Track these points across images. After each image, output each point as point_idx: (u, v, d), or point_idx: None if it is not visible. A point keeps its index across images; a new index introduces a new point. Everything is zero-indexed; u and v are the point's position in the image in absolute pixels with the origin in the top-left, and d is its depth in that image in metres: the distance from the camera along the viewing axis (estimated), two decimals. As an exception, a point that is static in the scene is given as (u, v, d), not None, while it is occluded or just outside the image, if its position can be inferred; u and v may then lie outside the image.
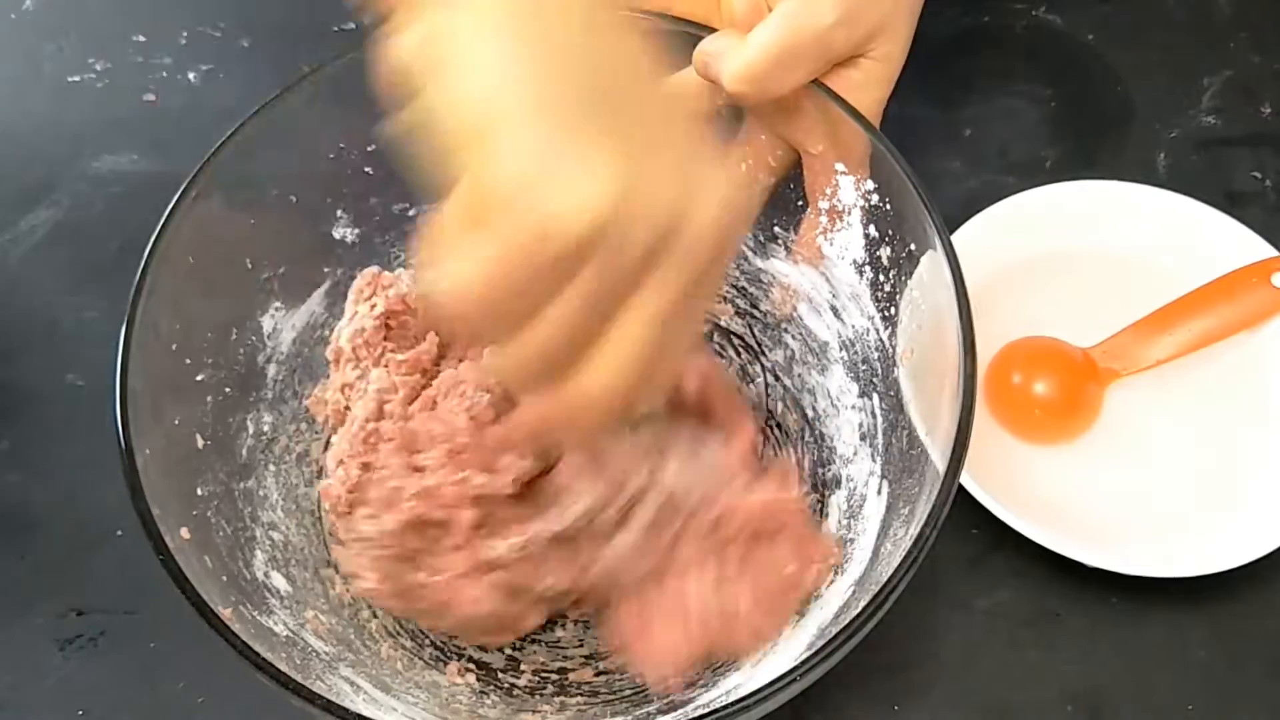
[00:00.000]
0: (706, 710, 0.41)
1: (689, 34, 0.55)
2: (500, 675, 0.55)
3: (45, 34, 0.81)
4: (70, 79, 0.78)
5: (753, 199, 0.41)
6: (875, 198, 0.55)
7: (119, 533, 0.61)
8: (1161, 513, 0.60)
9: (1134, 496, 0.61)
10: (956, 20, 0.80)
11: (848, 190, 0.56)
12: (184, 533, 0.47)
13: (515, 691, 0.54)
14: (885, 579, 0.44)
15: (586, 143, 0.36)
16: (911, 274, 0.53)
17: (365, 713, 0.41)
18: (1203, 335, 0.63)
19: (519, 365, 0.39)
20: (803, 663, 0.42)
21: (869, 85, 0.55)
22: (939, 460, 0.47)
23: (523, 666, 0.55)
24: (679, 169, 0.38)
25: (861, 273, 0.56)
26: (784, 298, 0.61)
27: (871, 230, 0.55)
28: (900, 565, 0.44)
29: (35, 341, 0.68)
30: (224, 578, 0.48)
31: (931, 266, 0.51)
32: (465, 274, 0.36)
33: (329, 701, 0.41)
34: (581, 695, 0.54)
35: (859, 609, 0.43)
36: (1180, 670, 0.58)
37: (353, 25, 0.79)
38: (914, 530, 0.46)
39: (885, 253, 0.55)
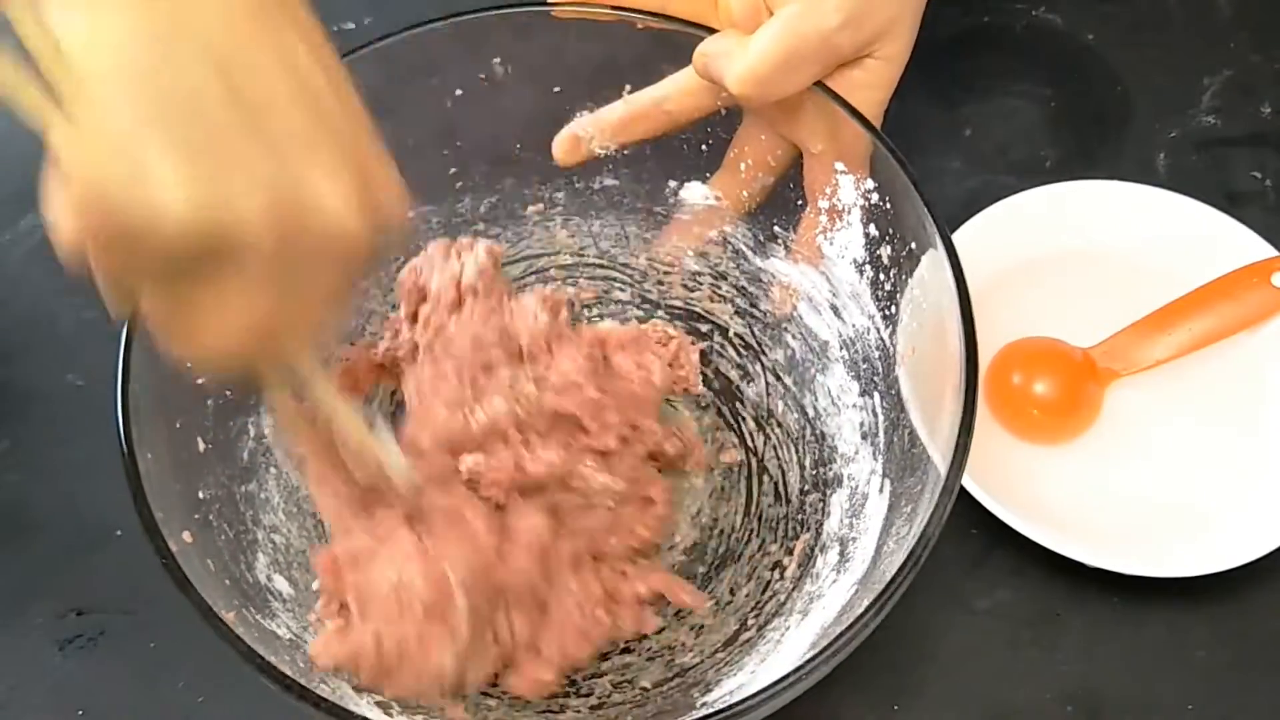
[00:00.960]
0: (710, 711, 0.41)
1: (686, 34, 0.55)
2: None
3: (45, 34, 0.80)
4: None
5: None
6: (875, 197, 0.55)
7: (119, 533, 0.61)
8: (1161, 513, 0.60)
9: (1134, 496, 0.61)
10: (957, 20, 0.80)
11: (848, 189, 0.56)
12: (186, 536, 0.47)
13: (516, 697, 0.54)
14: (888, 579, 0.44)
15: (242, 153, 0.36)
16: (912, 273, 0.53)
17: (369, 715, 0.41)
18: (1203, 335, 0.63)
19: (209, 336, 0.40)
20: (806, 663, 0.42)
21: (871, 85, 0.55)
22: (940, 460, 0.47)
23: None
24: (353, 172, 0.38)
25: (862, 272, 0.56)
26: (784, 297, 0.61)
27: (872, 229, 0.55)
28: (903, 565, 0.44)
29: (35, 342, 0.68)
30: (226, 581, 0.48)
31: (932, 266, 0.51)
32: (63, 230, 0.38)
33: (332, 704, 0.41)
34: (581, 698, 0.54)
35: (861, 609, 0.43)
36: (1180, 670, 0.58)
37: (352, 25, 0.79)
38: (916, 529, 0.46)
39: (885, 252, 0.55)
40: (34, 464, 0.64)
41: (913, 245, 0.52)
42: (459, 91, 0.60)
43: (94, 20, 0.36)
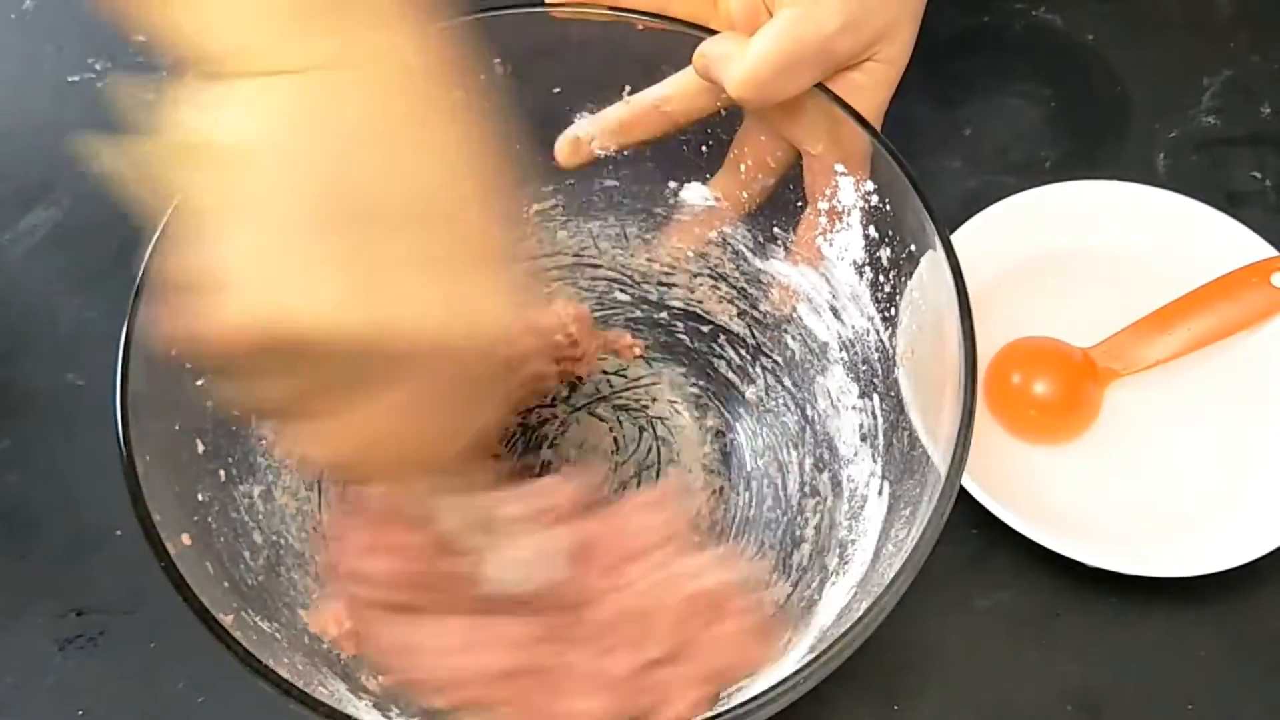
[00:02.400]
0: (709, 715, 0.41)
1: (686, 35, 0.55)
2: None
3: (45, 34, 0.81)
4: (70, 79, 0.78)
5: (514, 309, 0.42)
6: (875, 198, 0.55)
7: (119, 533, 0.61)
8: (1161, 512, 0.60)
9: (1134, 496, 0.61)
10: (956, 20, 0.79)
11: (847, 191, 0.56)
12: (185, 539, 0.47)
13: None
14: (887, 582, 0.44)
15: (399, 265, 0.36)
16: (911, 274, 0.53)
17: (367, 718, 0.41)
18: (1202, 335, 0.63)
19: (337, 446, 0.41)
20: (804, 666, 0.42)
21: (871, 87, 0.55)
22: (940, 461, 0.47)
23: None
24: (499, 290, 0.39)
25: (861, 273, 0.56)
26: (783, 298, 0.61)
27: (871, 231, 0.55)
28: (902, 568, 0.44)
29: (35, 341, 0.68)
30: (225, 583, 0.48)
31: (931, 267, 0.51)
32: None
33: (330, 708, 0.41)
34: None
35: (860, 612, 0.43)
36: (1181, 669, 0.58)
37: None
38: (915, 531, 0.46)
39: (885, 253, 0.55)
40: (34, 464, 0.64)
41: (912, 247, 0.52)
42: (458, 93, 0.59)
43: (254, 116, 0.36)
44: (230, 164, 0.35)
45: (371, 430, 0.39)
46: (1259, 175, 0.73)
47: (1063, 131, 0.76)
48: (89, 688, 0.57)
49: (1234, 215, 0.67)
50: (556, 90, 0.61)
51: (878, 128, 0.56)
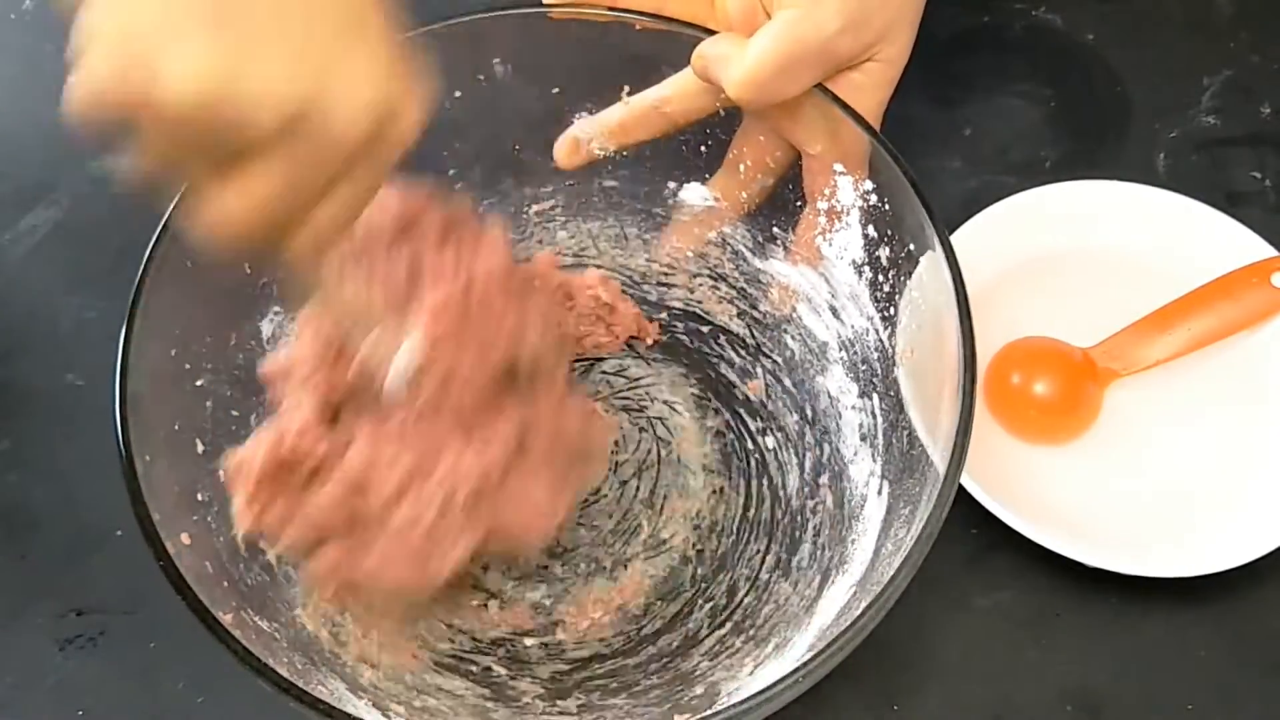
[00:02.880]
0: (710, 713, 0.42)
1: (685, 35, 0.55)
2: (510, 683, 0.55)
3: (44, 34, 0.80)
4: (70, 79, 0.78)
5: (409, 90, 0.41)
6: (874, 198, 0.55)
7: (118, 533, 0.61)
8: (1161, 512, 0.60)
9: (1134, 496, 0.61)
10: (956, 20, 0.79)
11: (846, 190, 0.56)
12: (184, 538, 0.47)
13: (522, 700, 0.54)
14: (886, 580, 0.44)
15: (272, 36, 0.35)
16: (911, 274, 0.53)
17: (366, 717, 0.41)
18: (1202, 335, 0.63)
19: (244, 215, 0.39)
20: (804, 664, 0.42)
21: (871, 88, 0.55)
22: (939, 461, 0.47)
23: (528, 674, 0.56)
24: (373, 64, 0.38)
25: (861, 273, 0.56)
26: (783, 298, 0.61)
27: (870, 230, 0.55)
28: (901, 566, 0.44)
29: (35, 341, 0.68)
30: (225, 583, 0.48)
31: (931, 267, 0.51)
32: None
33: (330, 706, 0.41)
34: (577, 697, 0.55)
35: (859, 610, 0.43)
36: (1181, 670, 0.58)
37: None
38: (915, 530, 0.46)
39: (884, 253, 0.55)
40: (34, 464, 0.64)
41: (911, 246, 0.53)
42: (458, 93, 0.60)
43: None
44: None
45: (263, 199, 0.38)
46: (1259, 175, 0.73)
47: (1063, 132, 0.76)
48: (89, 688, 0.57)
49: (1234, 215, 0.66)
50: (556, 90, 0.61)
51: (877, 127, 0.56)
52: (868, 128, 0.53)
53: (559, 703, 0.54)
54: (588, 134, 0.60)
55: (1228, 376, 0.64)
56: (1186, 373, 0.64)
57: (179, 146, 0.36)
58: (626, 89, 0.59)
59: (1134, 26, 0.80)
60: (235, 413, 0.55)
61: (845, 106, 0.54)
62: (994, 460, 0.60)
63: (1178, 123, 0.76)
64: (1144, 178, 0.69)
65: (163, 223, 0.50)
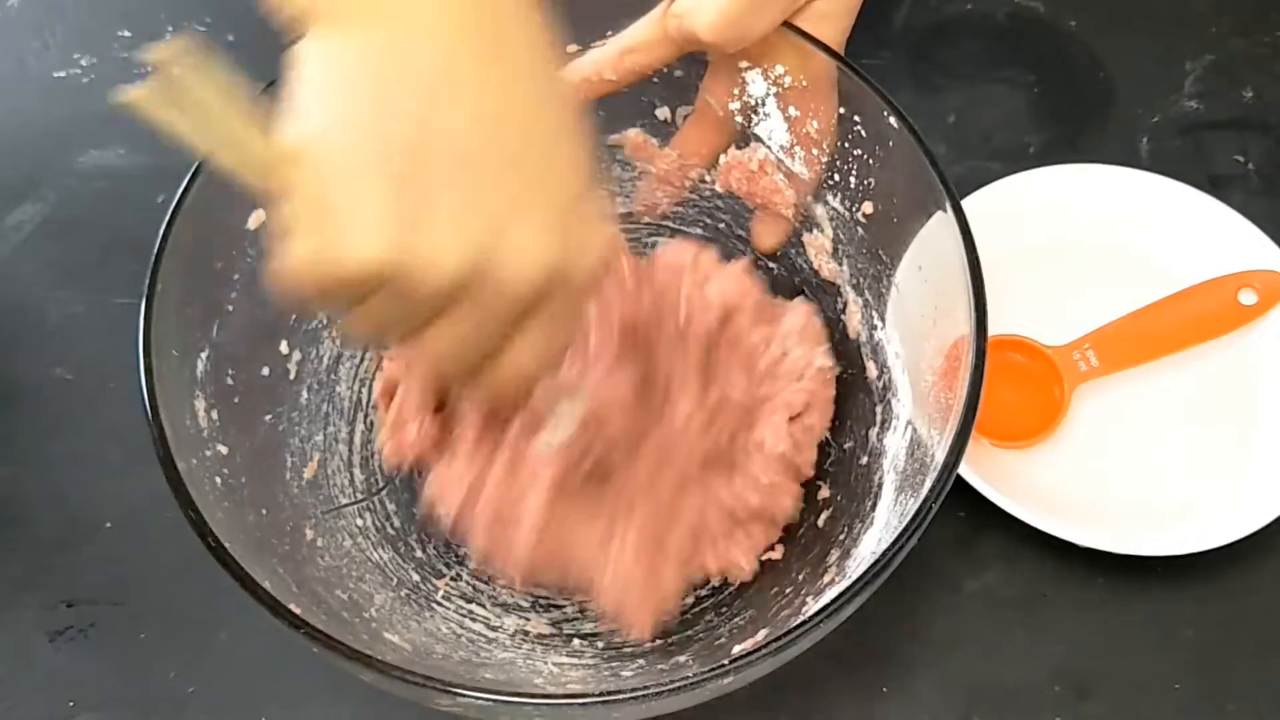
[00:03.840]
0: (713, 667, 0.42)
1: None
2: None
3: (30, 30, 0.81)
4: (56, 74, 0.78)
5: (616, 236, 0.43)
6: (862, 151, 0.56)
7: (108, 525, 0.61)
8: (1145, 498, 0.61)
9: (1117, 483, 0.62)
10: (940, 7, 0.80)
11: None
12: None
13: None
14: (883, 549, 0.44)
15: (448, 205, 0.37)
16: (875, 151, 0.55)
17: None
18: (1171, 344, 0.64)
19: (437, 365, 0.43)
20: (834, 601, 0.43)
21: (834, 16, 0.57)
22: (946, 428, 0.47)
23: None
24: (556, 227, 0.39)
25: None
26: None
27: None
28: (918, 511, 0.44)
29: (23, 336, 0.68)
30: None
31: (941, 225, 0.52)
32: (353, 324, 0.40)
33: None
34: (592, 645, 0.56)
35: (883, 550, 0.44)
36: (1168, 649, 0.58)
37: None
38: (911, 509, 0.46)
39: (856, 152, 0.57)
40: (23, 457, 0.64)
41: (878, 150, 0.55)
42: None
43: (322, 55, 0.38)
44: (302, 120, 0.37)
45: (448, 344, 0.41)
46: (1241, 159, 0.74)
47: (1047, 117, 0.76)
48: (79, 679, 0.58)
49: (1217, 199, 0.67)
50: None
51: (842, 53, 0.57)
52: (835, 55, 0.55)
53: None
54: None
55: (1210, 369, 0.65)
56: (1167, 369, 0.64)
57: (372, 307, 0.39)
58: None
59: (1116, 12, 0.80)
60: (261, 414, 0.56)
61: (813, 40, 0.55)
62: (978, 457, 0.60)
63: (1160, 107, 0.76)
64: (1127, 162, 0.69)
65: (163, 226, 0.50)
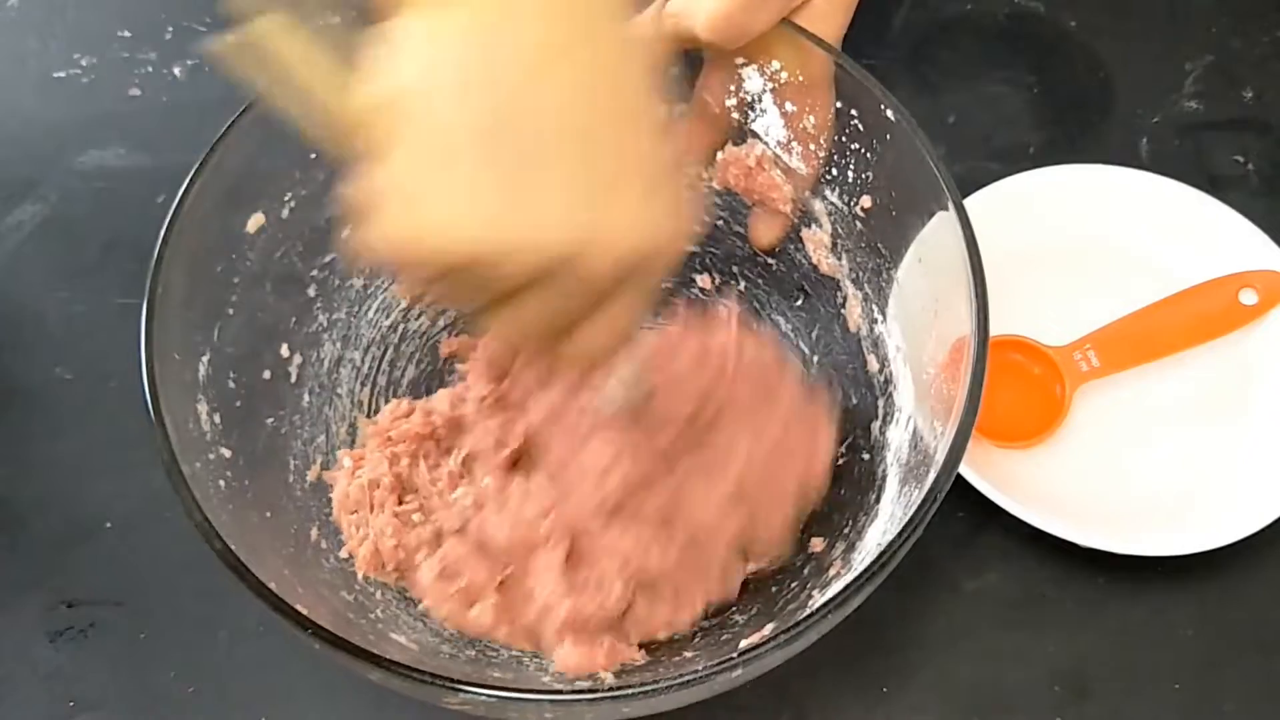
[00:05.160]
0: (734, 655, 0.42)
1: None
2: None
3: (30, 30, 0.81)
4: (55, 75, 0.78)
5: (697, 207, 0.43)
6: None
7: (108, 525, 0.61)
8: (1145, 497, 0.61)
9: (1118, 483, 0.62)
10: (940, 7, 0.80)
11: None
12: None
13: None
14: (886, 543, 0.44)
15: (548, 182, 0.37)
16: (873, 144, 0.55)
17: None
18: (1171, 345, 0.64)
19: (514, 336, 0.46)
20: (793, 626, 0.42)
21: (831, 13, 0.57)
22: (943, 444, 0.47)
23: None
24: (641, 207, 0.39)
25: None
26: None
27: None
28: (923, 502, 0.44)
29: (23, 336, 0.68)
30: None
31: (943, 224, 0.52)
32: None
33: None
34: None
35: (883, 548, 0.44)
36: (1167, 649, 0.58)
37: (337, 20, 0.79)
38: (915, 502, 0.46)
39: (854, 146, 0.56)
40: (23, 457, 0.64)
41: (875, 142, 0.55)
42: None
43: (421, 30, 0.38)
44: (401, 96, 0.37)
45: (528, 321, 0.41)
46: (1241, 159, 0.74)
47: (1046, 118, 0.76)
48: (80, 679, 0.57)
49: (1216, 199, 0.67)
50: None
51: (839, 49, 0.57)
52: (832, 50, 0.55)
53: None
54: None
55: (1209, 369, 0.65)
56: (1167, 369, 0.64)
57: (459, 279, 0.39)
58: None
59: (1116, 12, 0.80)
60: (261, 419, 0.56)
61: (810, 35, 0.55)
62: (978, 457, 0.60)
63: (1160, 108, 0.76)
64: (1127, 163, 0.69)
65: (165, 227, 0.50)
